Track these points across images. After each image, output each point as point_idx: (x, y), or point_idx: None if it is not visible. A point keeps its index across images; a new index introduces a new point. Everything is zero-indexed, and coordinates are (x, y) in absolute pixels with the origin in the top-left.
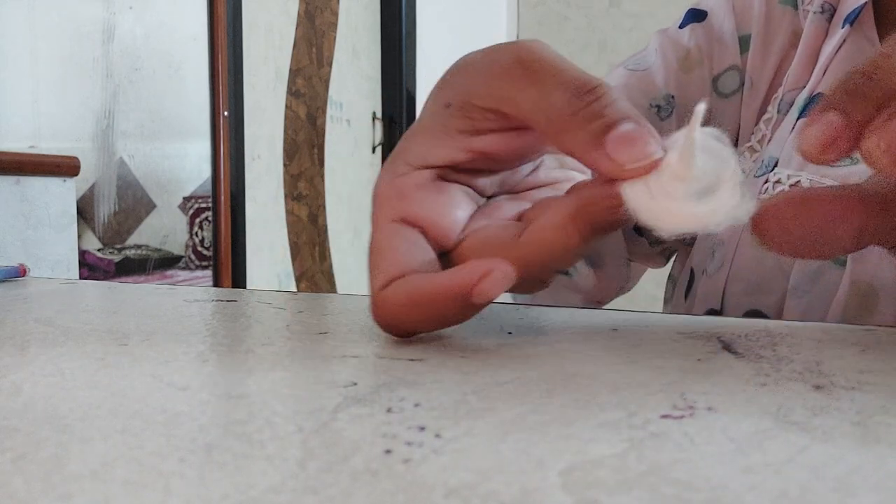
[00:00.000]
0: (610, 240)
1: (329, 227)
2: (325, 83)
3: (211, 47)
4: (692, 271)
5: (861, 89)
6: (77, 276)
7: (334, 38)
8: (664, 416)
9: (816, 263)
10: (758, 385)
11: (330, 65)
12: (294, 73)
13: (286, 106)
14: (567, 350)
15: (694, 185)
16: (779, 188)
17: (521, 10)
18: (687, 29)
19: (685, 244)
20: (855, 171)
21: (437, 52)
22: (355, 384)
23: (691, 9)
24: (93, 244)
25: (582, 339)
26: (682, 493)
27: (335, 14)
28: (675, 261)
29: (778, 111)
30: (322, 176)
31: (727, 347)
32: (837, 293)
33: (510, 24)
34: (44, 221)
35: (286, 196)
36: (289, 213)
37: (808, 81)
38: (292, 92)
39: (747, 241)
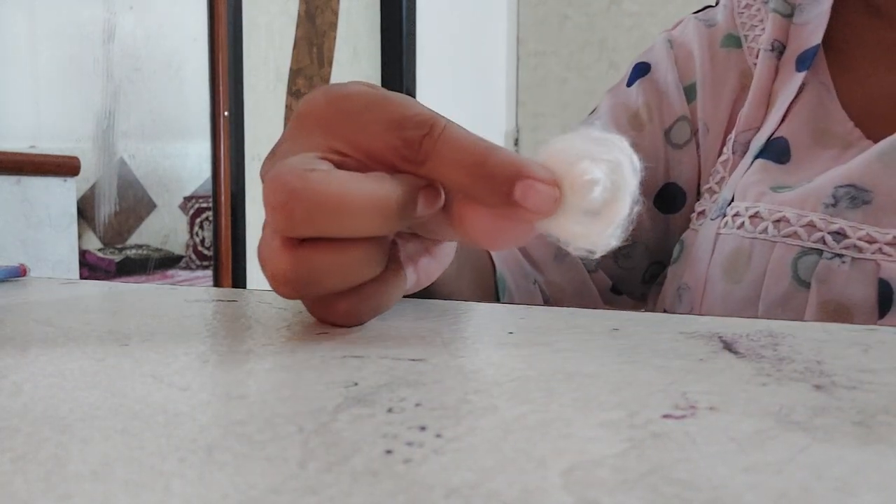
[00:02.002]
0: (583, 302)
1: None
2: (326, 83)
3: (211, 47)
4: (665, 311)
5: None
6: (77, 276)
7: (335, 38)
8: (665, 416)
9: (782, 289)
10: (759, 385)
11: (330, 65)
12: (294, 73)
13: (286, 106)
14: (567, 350)
15: (585, 204)
16: (738, 220)
17: (521, 9)
18: (634, 87)
19: (655, 283)
20: (812, 191)
21: (437, 52)
22: (356, 384)
23: (637, 65)
24: (93, 244)
25: (582, 339)
26: (683, 492)
27: (335, 14)
28: (648, 296)
29: (733, 152)
30: None
31: (728, 347)
32: (805, 314)
33: (510, 24)
34: (44, 221)
35: None
36: None
37: (762, 121)
38: (292, 92)
39: (716, 278)
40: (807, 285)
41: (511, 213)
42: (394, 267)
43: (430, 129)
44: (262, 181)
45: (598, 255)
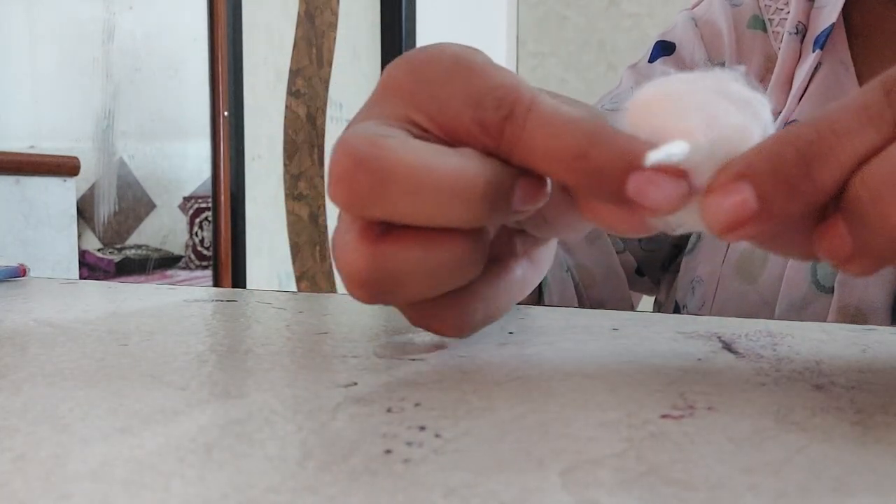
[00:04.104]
0: (612, 285)
1: (329, 227)
2: (325, 83)
3: (211, 47)
4: (676, 303)
5: (793, 176)
6: (77, 276)
7: (334, 38)
8: (664, 416)
9: (801, 293)
10: (758, 385)
11: (330, 65)
12: (294, 73)
13: (286, 106)
14: (567, 350)
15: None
16: None
17: (521, 9)
18: (657, 63)
19: (670, 272)
20: None
21: None
22: (355, 384)
23: (659, 41)
24: (93, 244)
25: (582, 339)
26: (682, 492)
27: (335, 14)
28: (661, 284)
29: None
30: (322, 176)
31: (727, 347)
32: (826, 319)
33: (510, 24)
34: (44, 221)
35: (286, 196)
36: (289, 213)
37: (784, 106)
38: (292, 92)
39: (729, 276)
40: (826, 290)
41: (629, 209)
42: (501, 266)
43: (512, 110)
44: None
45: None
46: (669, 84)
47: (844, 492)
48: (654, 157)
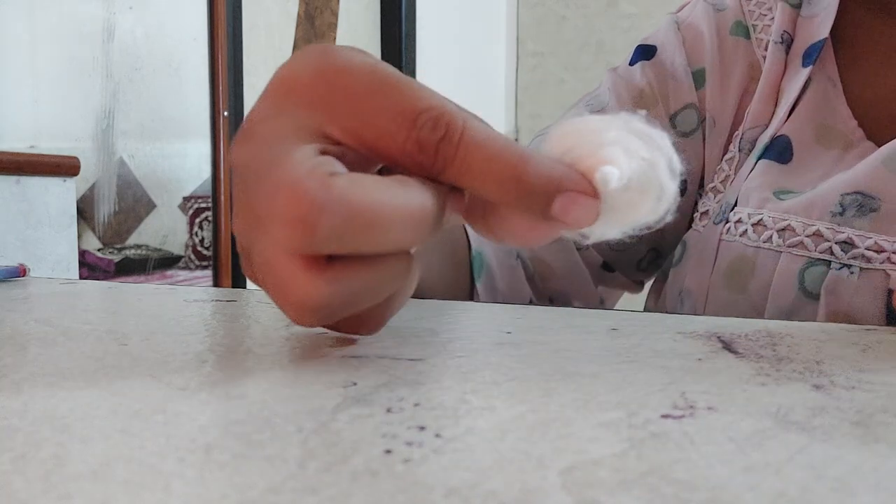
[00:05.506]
0: (574, 280)
1: None
2: None
3: (211, 47)
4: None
5: None
6: (77, 276)
7: (334, 38)
8: (664, 416)
9: (789, 300)
10: (758, 385)
11: None
12: None
13: None
14: (567, 350)
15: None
16: (741, 227)
17: (521, 9)
18: (637, 66)
19: (656, 281)
20: (817, 199)
21: (436, 53)
22: (355, 384)
23: (640, 45)
24: (93, 244)
25: (582, 338)
26: (682, 492)
27: (335, 15)
28: (649, 292)
29: (739, 150)
30: None
31: (727, 347)
32: None
33: (509, 24)
34: (44, 221)
35: None
36: None
37: (770, 118)
38: None
39: (718, 285)
40: (814, 297)
41: (546, 224)
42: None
43: (447, 131)
44: (236, 168)
45: (590, 242)
46: (587, 121)
47: (845, 492)
48: (611, 179)
